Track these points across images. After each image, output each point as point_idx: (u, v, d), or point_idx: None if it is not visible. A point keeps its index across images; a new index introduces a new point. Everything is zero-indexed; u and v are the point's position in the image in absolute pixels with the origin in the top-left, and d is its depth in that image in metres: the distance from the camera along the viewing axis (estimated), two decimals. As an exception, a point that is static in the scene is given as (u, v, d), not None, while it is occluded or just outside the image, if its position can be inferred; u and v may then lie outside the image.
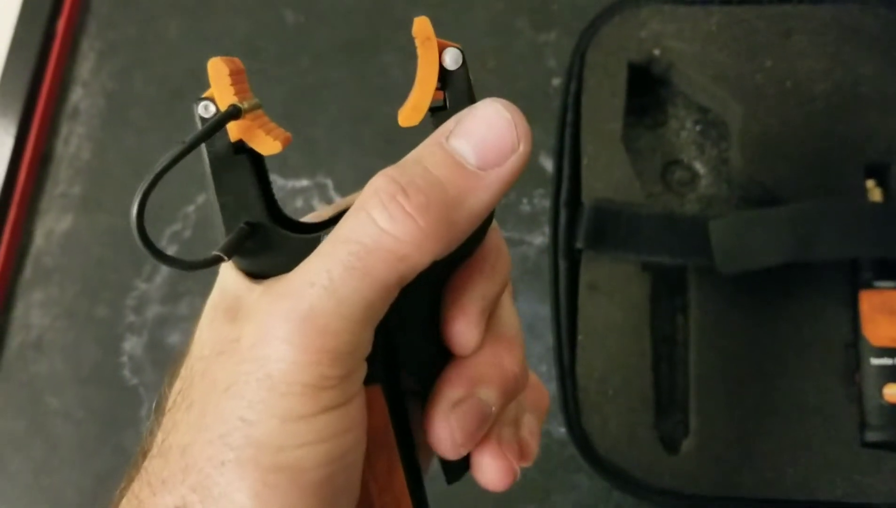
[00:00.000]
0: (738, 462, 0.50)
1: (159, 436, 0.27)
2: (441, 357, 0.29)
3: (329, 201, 0.62)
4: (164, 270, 0.63)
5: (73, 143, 0.68)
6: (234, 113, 0.26)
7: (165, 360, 0.61)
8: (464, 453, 0.30)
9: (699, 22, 0.57)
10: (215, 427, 0.25)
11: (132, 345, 0.62)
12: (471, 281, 0.29)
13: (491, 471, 0.31)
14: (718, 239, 0.51)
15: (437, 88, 0.26)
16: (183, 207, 0.64)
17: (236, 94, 0.26)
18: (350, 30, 0.67)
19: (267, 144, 0.26)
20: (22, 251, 0.66)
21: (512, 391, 0.30)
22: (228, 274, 0.27)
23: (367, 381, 0.27)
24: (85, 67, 0.70)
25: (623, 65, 0.56)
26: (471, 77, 0.27)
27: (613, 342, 0.52)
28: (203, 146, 0.27)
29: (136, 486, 0.26)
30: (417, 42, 0.26)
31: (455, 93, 0.26)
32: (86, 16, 0.71)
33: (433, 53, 0.26)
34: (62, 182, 0.67)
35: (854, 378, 0.51)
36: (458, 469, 0.31)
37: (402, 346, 0.29)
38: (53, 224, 0.66)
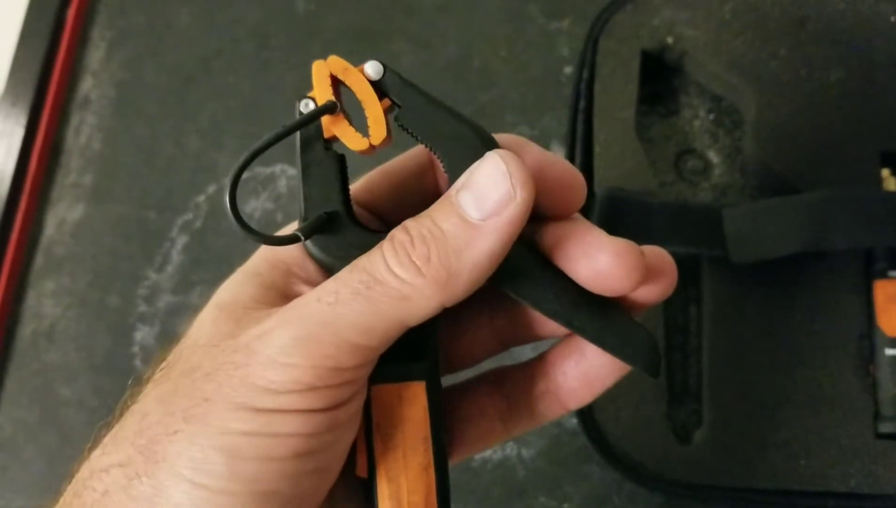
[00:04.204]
0: (751, 453, 0.50)
1: (128, 406, 0.29)
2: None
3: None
4: (176, 260, 0.63)
5: (83, 132, 0.68)
6: (330, 107, 0.28)
7: (177, 349, 0.61)
8: (642, 270, 0.29)
9: (713, 9, 0.56)
10: (180, 403, 0.26)
11: (144, 335, 0.62)
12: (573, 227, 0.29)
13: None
14: (732, 228, 0.51)
15: (381, 99, 0.29)
16: (194, 196, 0.64)
17: (334, 94, 0.29)
18: (361, 18, 0.66)
19: (357, 141, 0.29)
20: (33, 241, 0.66)
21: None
22: (247, 292, 0.29)
23: (411, 377, 0.29)
24: (95, 56, 0.70)
25: (636, 52, 0.56)
26: (400, 73, 0.29)
27: (626, 332, 0.52)
28: (298, 138, 0.29)
29: (93, 452, 0.28)
30: (341, 77, 0.29)
31: (395, 92, 0.29)
32: (96, 4, 0.71)
33: (357, 76, 0.29)
34: (73, 172, 0.67)
35: (868, 369, 0.51)
36: (652, 349, 0.31)
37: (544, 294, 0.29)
38: (65, 214, 0.66)
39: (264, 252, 0.31)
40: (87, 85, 0.69)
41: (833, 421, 0.50)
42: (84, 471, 0.28)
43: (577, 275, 0.29)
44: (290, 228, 0.31)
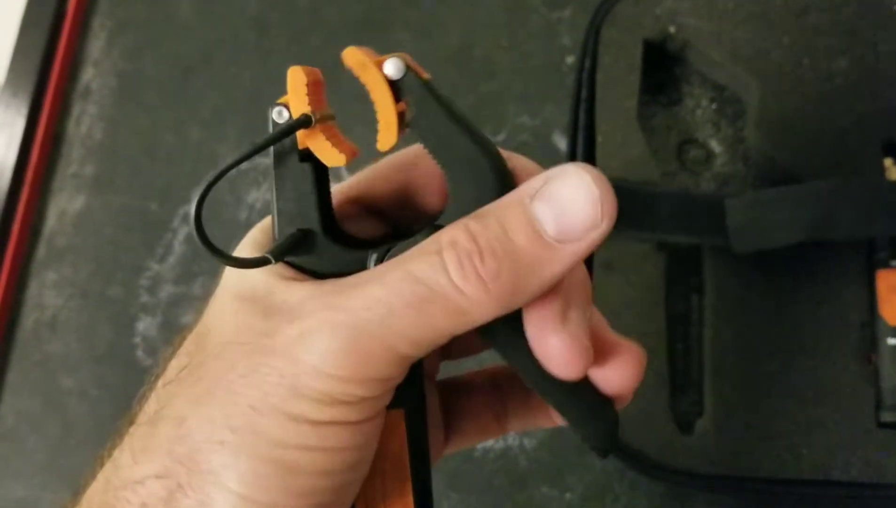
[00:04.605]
0: (752, 442, 0.50)
1: (152, 406, 0.27)
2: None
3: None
4: (178, 250, 0.63)
5: (84, 122, 0.68)
6: (304, 122, 0.26)
7: (179, 340, 0.61)
8: (583, 366, 0.27)
9: (715, -2, 0.56)
10: (221, 408, 0.25)
11: (146, 325, 0.62)
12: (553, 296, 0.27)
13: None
14: (734, 218, 0.51)
15: (398, 101, 0.27)
16: (195, 187, 0.64)
17: (310, 103, 0.26)
18: (362, 7, 0.66)
19: (331, 156, 0.27)
20: (35, 231, 0.66)
21: (587, 294, 0.29)
22: (260, 271, 0.27)
23: (390, 405, 0.27)
24: (96, 46, 0.70)
25: (638, 42, 0.56)
26: (423, 72, 0.27)
27: (628, 322, 0.52)
28: (271, 150, 0.27)
29: (116, 452, 0.27)
30: (355, 72, 0.26)
31: (412, 97, 0.27)
32: (96, -5, 0.71)
33: (374, 73, 0.26)
34: (74, 162, 0.67)
35: (870, 359, 0.51)
36: (607, 435, 0.30)
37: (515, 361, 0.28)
38: (66, 204, 0.66)
39: (258, 225, 0.30)
40: (88, 75, 0.69)
41: (835, 411, 0.50)
42: (114, 480, 0.26)
43: (530, 344, 0.27)
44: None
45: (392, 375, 0.25)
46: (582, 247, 0.25)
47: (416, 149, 0.30)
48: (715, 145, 0.56)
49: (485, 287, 0.24)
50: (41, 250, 0.65)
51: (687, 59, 0.57)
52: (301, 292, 0.26)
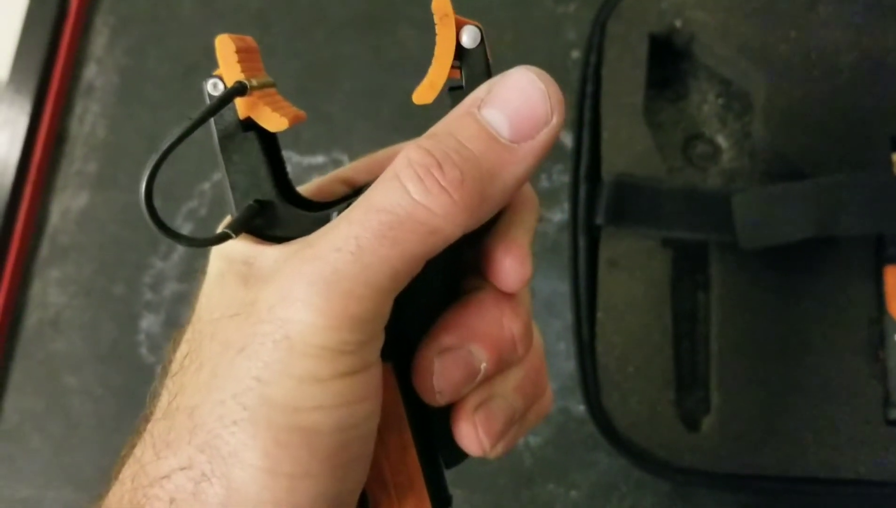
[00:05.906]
0: (759, 440, 0.50)
1: (164, 399, 0.26)
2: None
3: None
4: (181, 247, 0.63)
5: (88, 120, 0.68)
6: (239, 90, 0.26)
7: (183, 338, 0.61)
8: (441, 401, 0.29)
9: (721, -8, 0.55)
10: (227, 387, 0.24)
11: (149, 323, 0.62)
12: (516, 215, 0.29)
13: (457, 433, 0.30)
14: (741, 214, 0.50)
15: (455, 67, 0.26)
16: (198, 184, 0.64)
17: (244, 71, 0.26)
18: (365, 3, 0.66)
19: (273, 121, 0.26)
20: (38, 230, 0.66)
21: (508, 355, 0.30)
22: (233, 241, 0.27)
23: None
24: (99, 43, 0.69)
25: (644, 36, 0.55)
26: (489, 56, 0.27)
27: (633, 319, 0.52)
28: (212, 124, 0.27)
29: (137, 451, 0.26)
30: (436, 19, 0.26)
31: (472, 71, 0.27)
32: (99, -9, 0.71)
33: (450, 31, 0.26)
34: (77, 160, 0.67)
35: (878, 355, 0.50)
36: (455, 452, 0.31)
37: (413, 311, 0.28)
38: (69, 202, 0.66)
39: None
40: (91, 72, 0.69)
41: (842, 408, 0.50)
42: (141, 478, 0.25)
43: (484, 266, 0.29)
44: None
45: (378, 312, 0.25)
46: (538, 145, 0.25)
47: None
48: (721, 141, 0.56)
49: (450, 198, 0.24)
50: (44, 249, 0.65)
51: (693, 53, 0.57)
52: (274, 253, 0.26)
